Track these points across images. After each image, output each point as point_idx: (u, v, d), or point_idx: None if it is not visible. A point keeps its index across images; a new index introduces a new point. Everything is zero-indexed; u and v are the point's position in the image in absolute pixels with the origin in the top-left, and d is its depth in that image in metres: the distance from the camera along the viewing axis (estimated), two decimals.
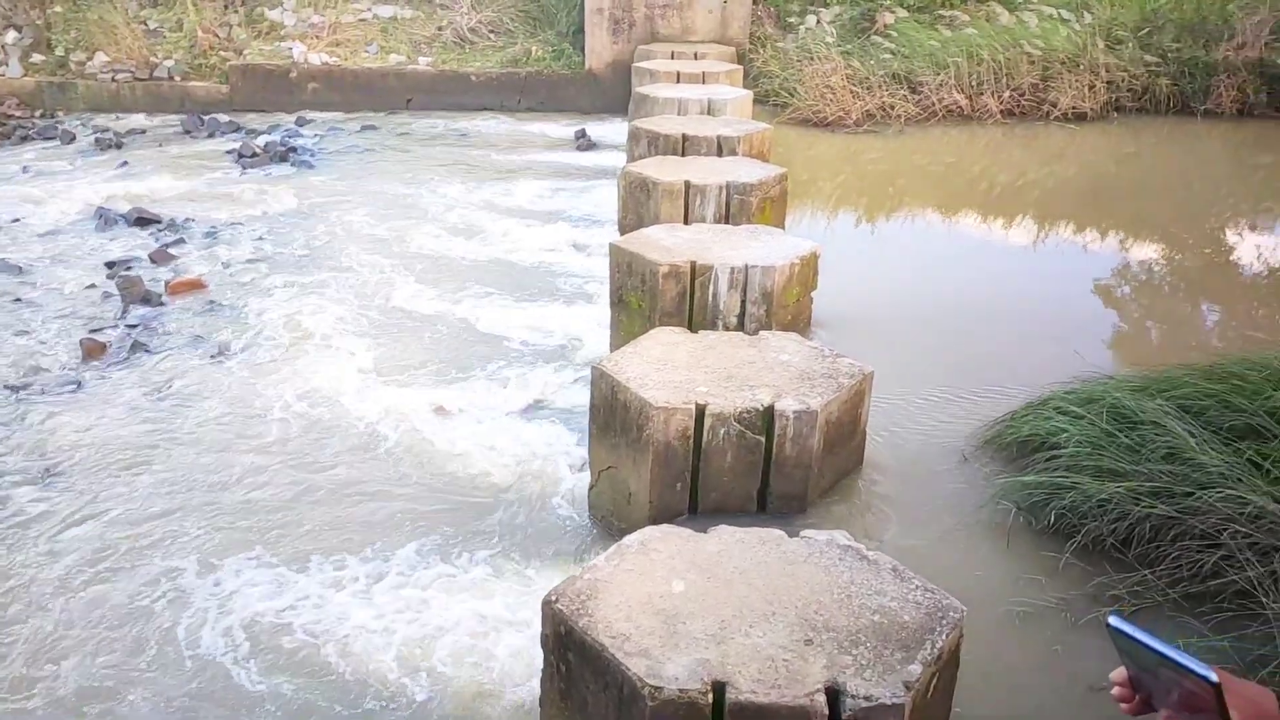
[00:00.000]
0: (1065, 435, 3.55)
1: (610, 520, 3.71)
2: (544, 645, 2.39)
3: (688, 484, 3.43)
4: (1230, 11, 10.54)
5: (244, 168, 9.19)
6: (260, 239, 7.24)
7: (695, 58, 10.22)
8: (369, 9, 12.23)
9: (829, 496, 3.59)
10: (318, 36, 11.73)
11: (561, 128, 10.58)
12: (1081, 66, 10.05)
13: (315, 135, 10.43)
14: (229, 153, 9.65)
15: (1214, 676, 0.85)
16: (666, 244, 4.79)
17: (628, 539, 2.57)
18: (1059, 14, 10.45)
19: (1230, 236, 7.48)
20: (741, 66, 9.85)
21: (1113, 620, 0.91)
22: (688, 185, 5.68)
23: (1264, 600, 2.79)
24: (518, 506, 4.00)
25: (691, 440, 3.35)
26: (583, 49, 11.23)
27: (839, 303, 5.36)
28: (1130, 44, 10.38)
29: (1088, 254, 7.04)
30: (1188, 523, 3.07)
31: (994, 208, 8.04)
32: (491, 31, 11.88)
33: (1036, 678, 2.75)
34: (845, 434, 3.60)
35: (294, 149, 9.70)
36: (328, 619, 3.37)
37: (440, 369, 5.17)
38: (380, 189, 8.49)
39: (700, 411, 3.32)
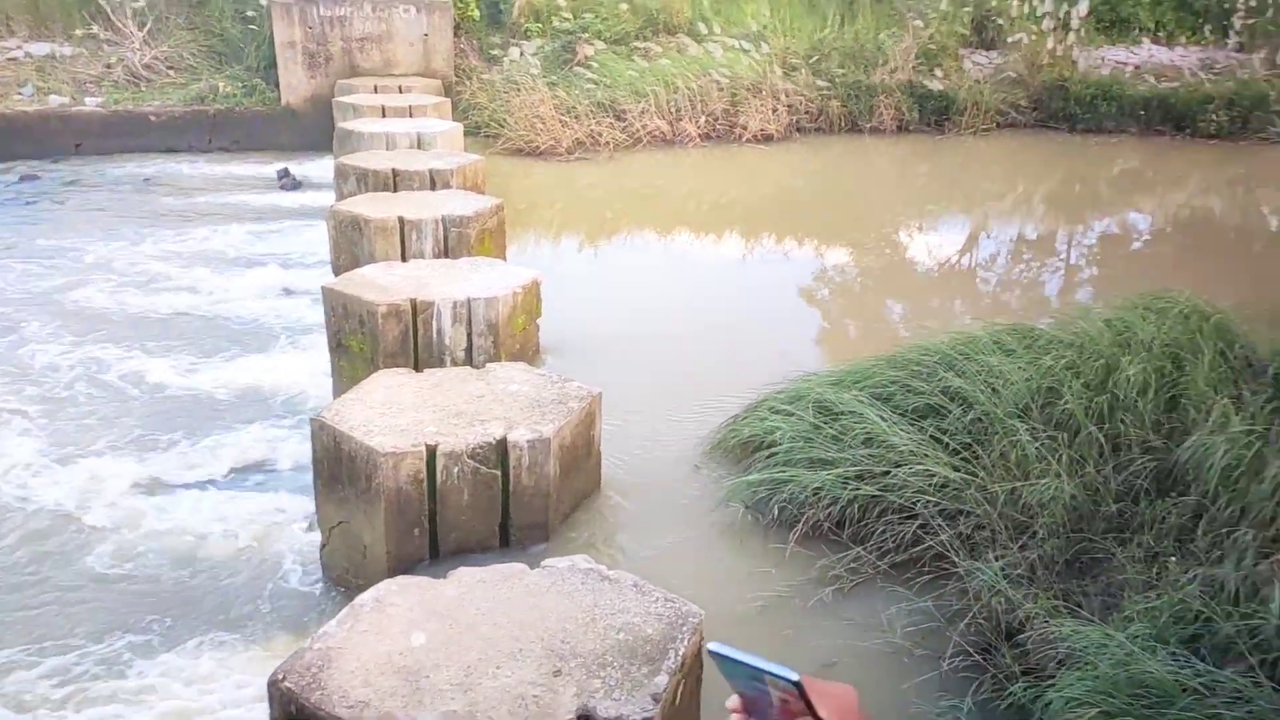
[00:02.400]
0: (779, 433, 3.81)
1: (347, 579, 3.50)
2: None
3: (426, 529, 3.31)
4: (882, 39, 11.94)
5: None
6: None
7: (400, 91, 10.01)
8: (19, 47, 10.87)
9: (571, 521, 3.61)
10: None
11: (261, 167, 9.94)
12: (764, 92, 10.95)
13: None
14: None
15: (794, 676, 0.91)
16: (384, 283, 4.63)
17: (361, 598, 2.43)
18: (740, 44, 11.33)
19: (903, 237, 8.44)
20: (449, 99, 9.78)
21: (711, 646, 0.95)
22: (402, 221, 5.54)
23: (956, 560, 3.14)
24: (245, 580, 3.66)
25: (425, 483, 3.24)
26: (277, 84, 10.66)
27: (566, 328, 5.43)
28: (803, 70, 11.45)
29: (788, 261, 7.66)
30: (888, 499, 3.40)
31: (703, 225, 8.54)
32: (170, 68, 10.97)
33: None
34: (580, 457, 3.64)
35: None
36: None
37: (140, 439, 4.64)
38: (48, 244, 7.53)
39: (431, 453, 3.22)
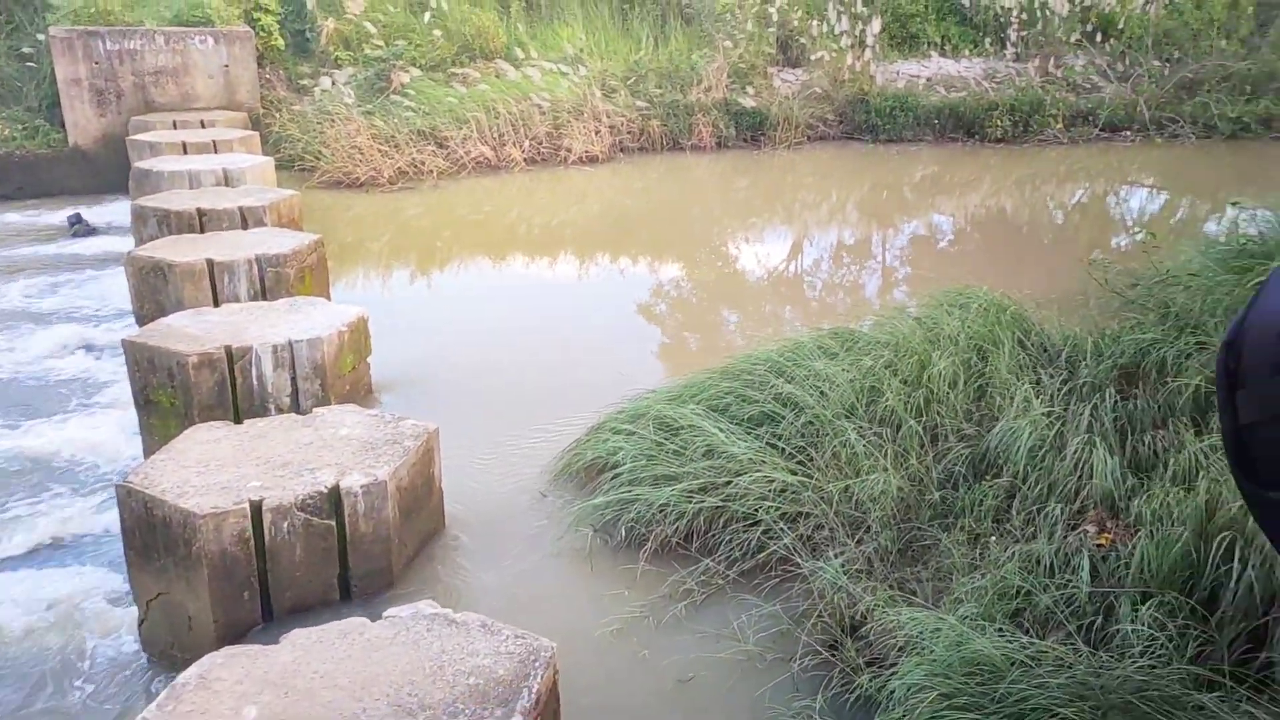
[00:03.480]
0: (622, 453, 3.82)
1: (172, 653, 3.23)
2: None
3: (257, 591, 3.11)
4: (695, 60, 12.31)
5: None
6: None
7: (203, 126, 9.48)
8: None
9: (416, 564, 3.48)
10: None
11: (50, 214, 9.16)
12: (586, 114, 11.06)
13: None
14: None
15: None
16: (194, 331, 4.34)
17: (182, 676, 2.24)
18: (558, 68, 11.40)
19: (730, 249, 8.69)
20: (257, 132, 9.34)
21: None
22: (211, 264, 5.23)
23: (799, 561, 3.22)
24: (53, 669, 3.31)
25: (252, 543, 3.04)
26: (63, 124, 9.86)
27: (400, 364, 5.28)
28: (622, 92, 11.65)
29: (622, 280, 7.73)
30: (731, 508, 3.46)
31: (535, 249, 8.51)
32: None
33: (632, 685, 2.90)
34: (420, 497, 3.52)
35: None
36: None
37: None
38: None
39: (256, 509, 3.03)
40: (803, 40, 13.38)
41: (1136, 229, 8.95)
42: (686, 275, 7.83)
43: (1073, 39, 14.10)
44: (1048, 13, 14.00)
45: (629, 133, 11.46)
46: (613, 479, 3.77)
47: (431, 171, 9.97)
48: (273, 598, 3.14)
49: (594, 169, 10.92)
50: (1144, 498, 3.06)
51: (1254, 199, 8.45)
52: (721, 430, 3.75)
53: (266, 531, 3.04)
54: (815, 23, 13.25)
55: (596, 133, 11.01)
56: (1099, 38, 14.17)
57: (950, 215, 10.01)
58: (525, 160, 10.61)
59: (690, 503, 3.50)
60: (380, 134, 9.94)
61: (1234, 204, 6.18)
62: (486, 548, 3.61)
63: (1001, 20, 14.47)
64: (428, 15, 11.69)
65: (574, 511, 3.73)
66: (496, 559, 3.54)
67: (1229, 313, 4.23)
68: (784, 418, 3.80)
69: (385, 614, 2.52)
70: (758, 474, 3.50)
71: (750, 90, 12.30)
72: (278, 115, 10.47)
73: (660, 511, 3.52)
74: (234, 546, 3.00)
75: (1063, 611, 2.66)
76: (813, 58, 13.11)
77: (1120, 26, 14.20)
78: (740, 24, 12.88)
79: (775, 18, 13.19)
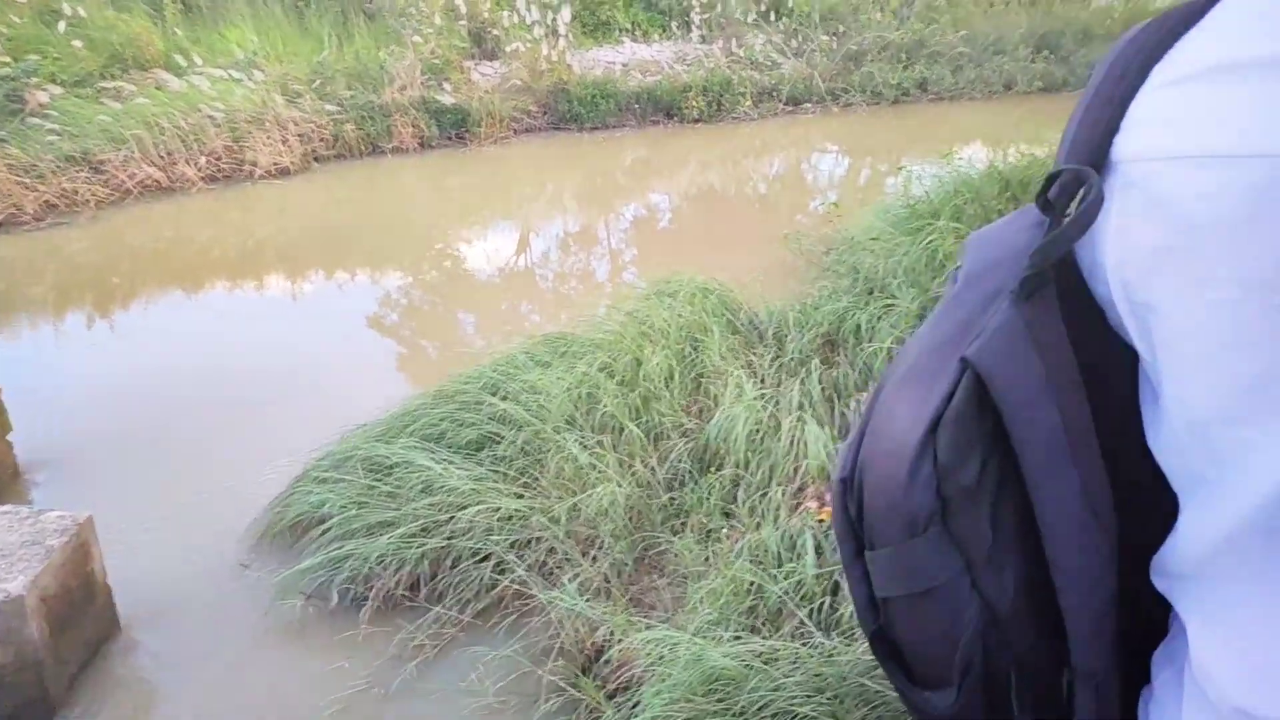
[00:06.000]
0: (329, 504, 3.42)
1: None
2: None
3: None
4: (384, 59, 11.70)
5: None
6: None
7: None
8: None
9: (83, 684, 2.91)
10: None
11: None
12: (268, 123, 10.16)
13: None
14: None
15: None
16: None
17: None
18: (230, 75, 10.38)
19: (451, 253, 8.31)
20: None
21: None
22: None
23: (535, 591, 3.01)
24: None
25: None
26: None
27: (59, 435, 4.51)
28: (308, 96, 10.83)
29: (339, 299, 7.12)
30: (457, 546, 3.18)
31: (234, 276, 7.67)
32: None
33: None
34: (78, 603, 2.94)
35: None
36: None
37: None
38: None
39: None
40: (496, 32, 13.13)
41: (826, 197, 9.55)
42: (407, 287, 7.37)
43: (750, 19, 14.89)
44: None
45: (321, 140, 10.68)
46: (322, 535, 3.37)
47: (89, 201, 8.72)
48: None
49: (286, 182, 10.07)
50: None
51: (919, 157, 9.27)
52: (438, 462, 3.46)
53: None
54: (506, 14, 13.04)
55: (284, 142, 10.15)
56: (773, 17, 15.07)
57: (667, 195, 10.21)
58: (203, 178, 9.57)
59: (411, 548, 3.18)
60: (18, 164, 8.55)
61: (900, 169, 6.69)
62: (175, 645, 3.09)
63: (685, 4, 15.00)
64: (63, 24, 10.24)
65: (278, 582, 3.28)
66: (188, 655, 3.04)
67: (908, 272, 4.50)
68: (504, 438, 3.56)
69: None
70: (481, 504, 3.24)
71: (448, 87, 11.88)
72: None
73: (379, 563, 3.17)
74: None
75: (793, 600, 2.64)
76: (508, 49, 12.89)
77: (790, 5, 15.18)
78: (427, 18, 12.41)
79: (464, 10, 12.84)
